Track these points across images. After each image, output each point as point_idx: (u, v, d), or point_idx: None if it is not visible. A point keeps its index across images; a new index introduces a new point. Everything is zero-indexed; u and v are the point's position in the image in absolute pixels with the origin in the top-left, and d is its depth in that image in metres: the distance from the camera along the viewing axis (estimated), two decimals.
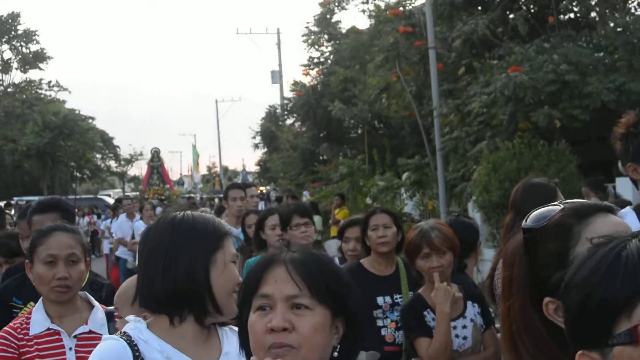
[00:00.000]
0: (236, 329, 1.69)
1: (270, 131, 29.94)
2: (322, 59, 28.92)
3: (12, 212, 14.51)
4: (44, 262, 2.79)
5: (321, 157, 25.03)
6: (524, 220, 1.59)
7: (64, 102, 46.73)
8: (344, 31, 27.81)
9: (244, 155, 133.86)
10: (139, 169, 50.70)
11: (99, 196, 37.01)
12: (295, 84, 26.00)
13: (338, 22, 29.22)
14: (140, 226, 11.21)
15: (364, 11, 23.33)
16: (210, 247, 1.98)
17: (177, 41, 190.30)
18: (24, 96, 47.35)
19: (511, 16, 13.33)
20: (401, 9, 16.63)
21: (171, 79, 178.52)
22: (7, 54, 47.57)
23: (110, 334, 2.65)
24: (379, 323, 4.11)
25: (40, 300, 2.86)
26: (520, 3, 13.48)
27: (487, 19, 12.75)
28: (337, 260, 4.60)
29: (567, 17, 13.85)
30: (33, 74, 53.29)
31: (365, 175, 17.85)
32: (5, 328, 2.78)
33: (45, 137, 39.02)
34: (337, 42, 27.27)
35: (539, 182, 3.51)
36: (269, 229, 5.04)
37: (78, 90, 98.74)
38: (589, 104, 10.52)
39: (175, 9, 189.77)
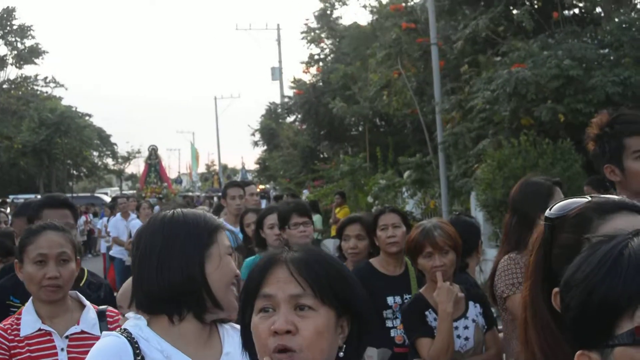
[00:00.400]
0: (238, 327, 1.67)
1: (270, 128, 29.86)
2: (322, 56, 28.85)
3: (7, 210, 14.36)
4: (34, 262, 2.77)
5: (321, 155, 24.96)
6: (547, 209, 1.58)
7: (60, 99, 46.57)
8: (343, 26, 27.73)
9: (244, 153, 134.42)
10: (136, 167, 50.72)
11: (96, 194, 36.88)
12: (296, 81, 25.90)
13: (338, 18, 29.16)
14: (136, 225, 11.15)
15: (365, 7, 23.25)
16: (203, 243, 1.96)
17: (175, 37, 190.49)
18: (20, 92, 47.18)
19: (515, 12, 13.20)
20: (403, 4, 16.50)
21: (169, 76, 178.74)
22: (2, 50, 47.49)
23: (101, 333, 2.60)
24: (389, 324, 4.09)
25: (30, 300, 2.82)
26: None
27: (487, 17, 12.65)
28: None
29: (571, 12, 13.73)
30: (28, 70, 53.26)
31: (366, 174, 17.78)
32: None
33: (41, 134, 38.90)
34: (338, 39, 27.16)
35: (535, 180, 3.49)
36: (267, 228, 4.98)
37: (75, 87, 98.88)
38: (593, 98, 10.40)
39: (173, 4, 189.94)
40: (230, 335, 2.03)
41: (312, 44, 29.54)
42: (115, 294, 3.61)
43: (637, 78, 10.46)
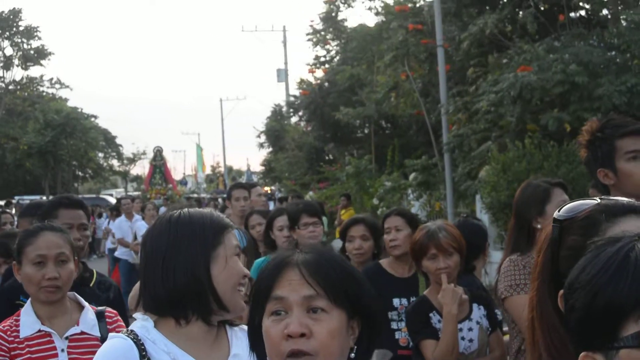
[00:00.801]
0: (246, 327, 1.65)
1: (276, 130, 29.87)
2: (328, 57, 28.84)
3: (13, 211, 14.40)
4: (32, 263, 2.78)
5: (327, 157, 24.94)
6: (556, 211, 1.58)
7: (66, 100, 46.72)
8: (349, 29, 27.70)
9: (249, 155, 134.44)
10: (141, 168, 50.77)
11: (101, 196, 36.92)
12: (302, 82, 25.89)
13: (344, 20, 29.15)
14: (142, 227, 11.16)
15: (370, 9, 23.23)
16: (209, 243, 1.94)
17: (181, 38, 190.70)
18: (26, 94, 47.31)
19: (521, 14, 13.18)
20: (409, 5, 16.50)
21: (175, 77, 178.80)
22: (9, 51, 47.61)
23: (101, 334, 2.70)
24: (394, 326, 4.07)
25: (28, 301, 2.82)
26: (530, 0, 13.33)
27: (495, 17, 12.62)
28: None
29: (578, 14, 13.70)
30: (34, 71, 53.37)
31: (371, 176, 17.77)
32: None
33: (47, 135, 38.99)
34: (343, 40, 27.15)
35: (533, 183, 3.51)
36: (277, 230, 4.99)
37: (80, 88, 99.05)
38: (600, 106, 10.37)
39: (180, 6, 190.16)
40: (239, 337, 2.02)
41: (318, 46, 29.53)
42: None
43: None
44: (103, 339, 2.59)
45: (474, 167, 12.52)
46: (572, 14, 13.32)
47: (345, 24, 28.92)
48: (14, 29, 47.27)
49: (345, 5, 28.49)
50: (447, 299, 3.40)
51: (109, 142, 48.66)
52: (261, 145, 32.91)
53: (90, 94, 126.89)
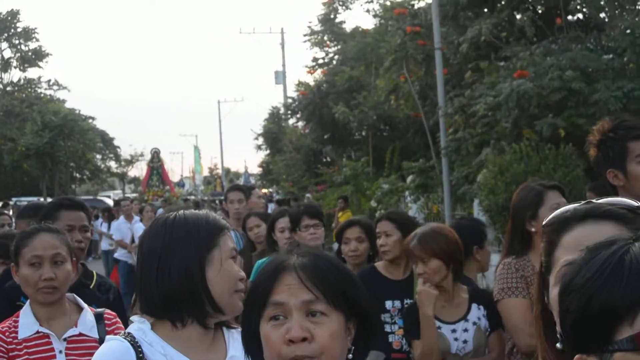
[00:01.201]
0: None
1: (273, 132, 29.84)
2: (326, 60, 28.84)
3: (10, 212, 14.38)
4: (29, 264, 2.79)
5: (325, 160, 24.92)
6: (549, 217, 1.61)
7: (64, 101, 46.64)
8: (348, 31, 27.72)
9: (247, 157, 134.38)
10: (139, 170, 50.60)
11: (99, 197, 36.85)
12: (300, 83, 25.89)
13: (342, 22, 29.16)
14: (140, 228, 11.16)
15: (368, 11, 23.26)
16: (204, 246, 1.93)
17: (179, 40, 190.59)
18: (23, 95, 47.24)
19: (518, 17, 13.20)
20: (407, 7, 16.53)
21: (173, 79, 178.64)
22: (7, 52, 47.56)
23: (99, 335, 2.70)
24: (387, 329, 4.07)
25: (27, 303, 2.83)
26: (528, 3, 13.35)
27: (491, 22, 12.63)
28: None
29: (575, 18, 13.71)
30: (32, 73, 53.27)
31: (369, 178, 17.76)
32: None
33: (44, 136, 38.87)
34: (343, 42, 27.16)
35: (527, 186, 3.53)
36: (278, 232, 5.04)
37: (78, 90, 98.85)
38: (596, 112, 10.38)
39: (177, 7, 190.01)
40: (235, 339, 2.01)
41: (317, 48, 29.55)
42: None
43: None
44: (101, 341, 2.59)
45: (472, 170, 12.53)
46: (569, 17, 13.34)
47: (344, 25, 28.97)
48: (12, 30, 47.20)
49: (344, 7, 28.54)
50: (421, 301, 3.46)
51: (107, 143, 48.53)
52: (259, 148, 32.91)
53: (88, 95, 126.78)
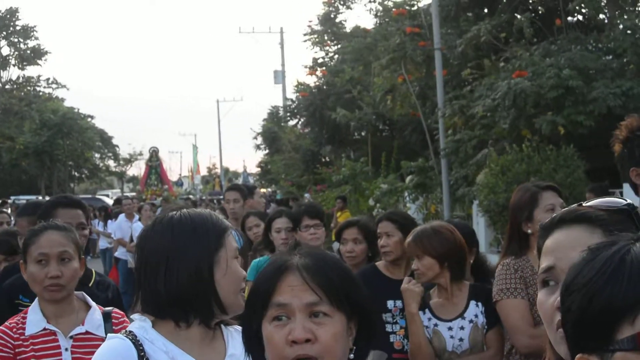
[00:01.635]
0: (240, 328, 1.65)
1: (272, 132, 29.83)
2: (326, 59, 28.83)
3: (9, 211, 14.36)
4: (35, 261, 2.78)
5: (323, 159, 24.92)
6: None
7: (62, 100, 46.59)
8: (348, 30, 27.71)
9: (245, 156, 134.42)
10: (138, 169, 50.46)
11: (97, 196, 36.83)
12: (299, 84, 25.87)
13: (342, 21, 29.15)
14: (138, 227, 11.12)
15: (370, 10, 23.24)
16: (212, 246, 1.91)
17: (178, 39, 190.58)
18: (22, 93, 47.21)
19: (518, 17, 13.19)
20: (407, 8, 16.52)
21: (172, 78, 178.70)
22: (5, 50, 47.51)
23: (106, 334, 2.61)
24: (388, 328, 4.04)
25: (36, 300, 2.85)
26: (528, 4, 13.36)
27: (490, 24, 12.63)
28: None
29: (574, 19, 13.72)
30: (31, 71, 53.26)
31: (367, 178, 17.75)
32: (0, 327, 2.77)
33: (43, 135, 38.86)
34: (343, 41, 27.15)
35: (523, 186, 3.53)
36: (275, 232, 4.97)
37: (77, 88, 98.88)
38: (594, 109, 10.38)
39: (176, 6, 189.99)
40: (234, 337, 2.00)
41: (317, 47, 29.53)
42: None
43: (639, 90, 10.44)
44: None
45: (470, 171, 12.53)
46: (569, 18, 13.34)
47: (344, 23, 28.96)
48: (11, 28, 47.16)
49: (344, 6, 28.52)
50: (406, 299, 3.50)
51: (106, 142, 48.48)
52: (258, 147, 32.89)
53: (87, 94, 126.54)
